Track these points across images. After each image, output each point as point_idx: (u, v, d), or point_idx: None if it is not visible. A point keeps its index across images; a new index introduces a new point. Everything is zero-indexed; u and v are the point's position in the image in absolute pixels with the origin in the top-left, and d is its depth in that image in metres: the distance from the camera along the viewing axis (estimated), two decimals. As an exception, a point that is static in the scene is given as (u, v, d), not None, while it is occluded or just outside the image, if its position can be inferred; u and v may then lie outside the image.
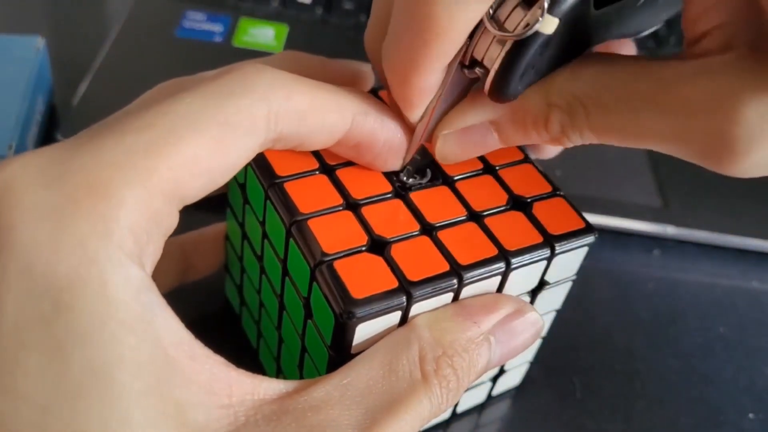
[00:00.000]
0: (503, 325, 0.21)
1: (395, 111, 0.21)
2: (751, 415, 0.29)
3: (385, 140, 0.21)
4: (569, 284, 0.24)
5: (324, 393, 0.18)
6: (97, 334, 0.15)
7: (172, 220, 0.18)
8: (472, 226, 0.21)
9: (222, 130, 0.18)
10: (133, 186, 0.16)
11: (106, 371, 0.15)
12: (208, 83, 0.18)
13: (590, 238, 0.22)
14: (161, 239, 0.18)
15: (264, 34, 0.41)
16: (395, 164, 0.22)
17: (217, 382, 0.17)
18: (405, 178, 0.22)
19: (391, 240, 0.20)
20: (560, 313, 0.26)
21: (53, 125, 0.36)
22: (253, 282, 0.25)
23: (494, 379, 0.27)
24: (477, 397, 0.27)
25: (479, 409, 0.28)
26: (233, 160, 0.18)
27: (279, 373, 0.25)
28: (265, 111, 0.18)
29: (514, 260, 0.21)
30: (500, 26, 0.18)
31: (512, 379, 0.28)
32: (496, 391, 0.28)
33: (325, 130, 0.20)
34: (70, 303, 0.15)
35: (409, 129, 0.22)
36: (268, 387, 0.18)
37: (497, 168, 0.24)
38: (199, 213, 0.26)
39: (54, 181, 0.16)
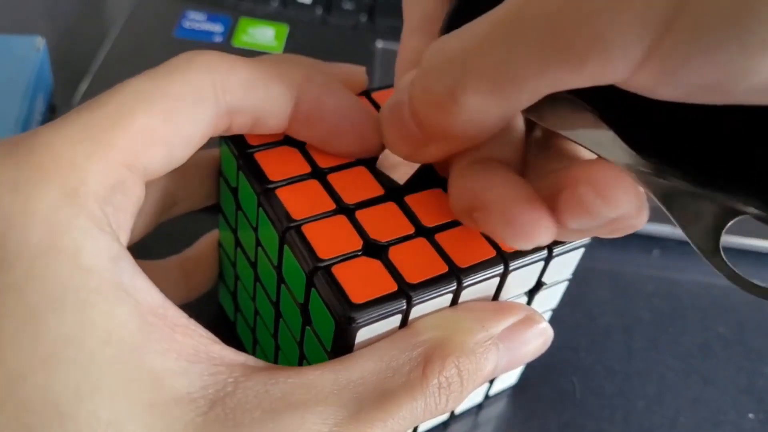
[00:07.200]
0: (512, 332, 0.21)
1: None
2: (751, 415, 0.29)
3: (335, 107, 0.21)
4: (566, 284, 0.24)
5: (317, 374, 0.18)
6: (69, 300, 0.16)
7: (139, 191, 0.19)
8: (468, 227, 0.21)
9: (169, 100, 0.19)
10: (93, 158, 0.17)
11: (77, 338, 0.16)
12: (154, 68, 0.20)
13: (586, 240, 0.22)
14: (131, 208, 0.19)
15: (264, 34, 0.41)
16: (356, 145, 0.22)
17: (200, 353, 0.17)
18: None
19: (387, 243, 0.20)
20: (559, 313, 0.26)
21: (53, 125, 0.36)
22: (247, 289, 0.25)
23: (491, 379, 0.27)
24: (474, 397, 0.27)
25: (477, 408, 0.28)
26: (186, 129, 0.19)
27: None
28: (208, 81, 0.19)
29: (512, 262, 0.21)
30: None
31: (509, 378, 0.28)
32: (492, 391, 0.28)
33: (272, 100, 0.21)
34: (43, 271, 0.16)
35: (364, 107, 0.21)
36: (256, 361, 0.18)
37: None
38: (198, 215, 0.26)
39: (23, 158, 0.17)
